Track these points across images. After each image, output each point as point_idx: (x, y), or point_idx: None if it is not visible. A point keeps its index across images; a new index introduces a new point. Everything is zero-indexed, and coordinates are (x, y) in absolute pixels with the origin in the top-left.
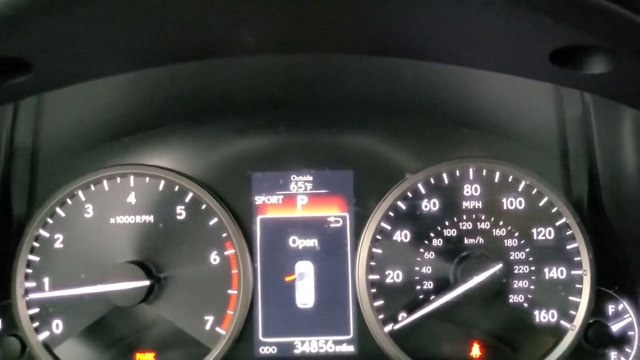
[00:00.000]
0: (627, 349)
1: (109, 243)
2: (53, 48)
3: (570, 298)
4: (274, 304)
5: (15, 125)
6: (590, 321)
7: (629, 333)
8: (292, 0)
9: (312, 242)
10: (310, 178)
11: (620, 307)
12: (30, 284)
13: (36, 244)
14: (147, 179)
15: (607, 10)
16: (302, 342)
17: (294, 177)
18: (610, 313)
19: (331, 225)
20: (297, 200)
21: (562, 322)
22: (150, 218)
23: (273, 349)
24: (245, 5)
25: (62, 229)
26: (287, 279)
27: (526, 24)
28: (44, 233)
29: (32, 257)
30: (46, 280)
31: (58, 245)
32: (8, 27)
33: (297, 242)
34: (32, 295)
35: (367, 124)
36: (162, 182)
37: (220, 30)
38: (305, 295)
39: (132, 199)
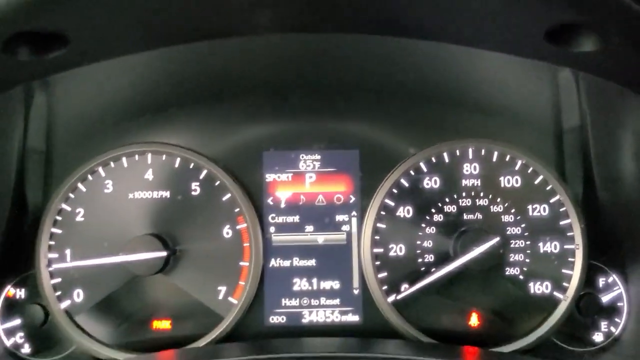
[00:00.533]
0: (617, 319)
1: (128, 217)
2: (89, 24)
3: (563, 271)
4: (281, 275)
5: (31, 102)
6: (582, 293)
7: (619, 304)
8: None
9: (320, 218)
10: (318, 157)
11: (610, 279)
12: (53, 255)
13: (59, 218)
14: (164, 156)
15: None
16: (310, 312)
17: (303, 156)
18: (600, 285)
19: (338, 201)
20: (305, 177)
21: (555, 293)
22: (166, 193)
23: (282, 318)
24: None
25: (83, 203)
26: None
27: (523, 3)
28: (66, 207)
29: (55, 230)
30: (68, 251)
31: (79, 218)
32: (51, 3)
33: (305, 217)
34: (55, 266)
35: (373, 105)
36: (178, 160)
37: (237, 9)
38: (312, 266)
39: (149, 175)
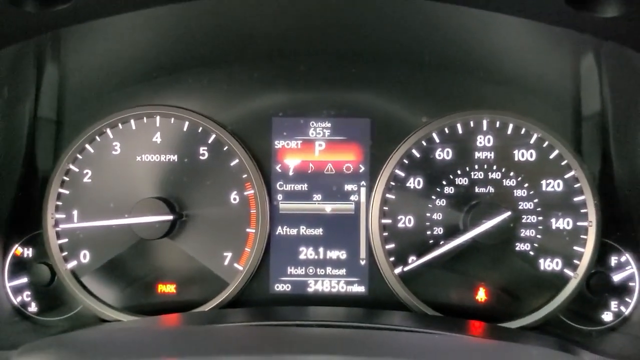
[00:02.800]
0: (627, 299)
1: (135, 179)
2: None
3: (575, 248)
4: (287, 244)
5: (43, 68)
6: (593, 271)
7: (630, 284)
8: None
9: (328, 186)
10: (328, 125)
11: (623, 258)
12: (60, 216)
13: (66, 178)
14: (173, 119)
15: None
16: (315, 281)
17: (312, 124)
18: (613, 264)
19: (347, 170)
20: (315, 145)
21: (565, 270)
22: (174, 157)
23: (287, 287)
24: None
25: (91, 164)
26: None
27: None
28: (73, 168)
29: (62, 191)
30: (75, 212)
31: (87, 179)
32: None
33: (313, 185)
34: (62, 226)
35: (386, 74)
36: (187, 123)
37: None
38: (319, 235)
39: (157, 138)
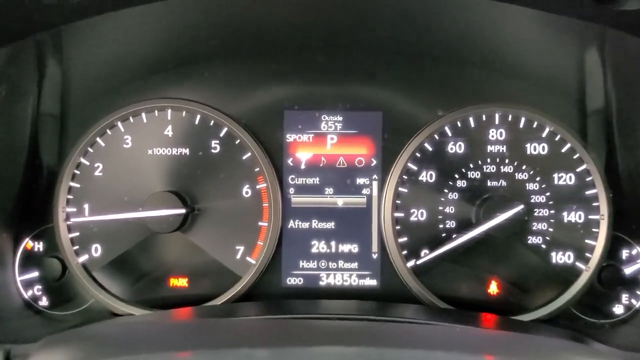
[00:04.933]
0: (638, 292)
1: (147, 173)
2: None
3: (587, 241)
4: (301, 237)
5: (44, 62)
6: (605, 264)
7: None
8: None
9: (340, 180)
10: (340, 118)
11: (634, 251)
12: (71, 209)
13: (77, 172)
14: (184, 113)
15: None
16: (327, 275)
17: (324, 117)
18: (624, 257)
19: (359, 164)
20: (327, 139)
21: (577, 263)
22: (186, 150)
23: (299, 280)
24: None
25: (102, 158)
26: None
27: None
28: (84, 161)
29: (73, 184)
30: (86, 206)
31: (98, 173)
32: None
33: (325, 179)
34: (73, 220)
35: (398, 67)
36: (198, 117)
37: None
38: (332, 228)
39: (169, 131)
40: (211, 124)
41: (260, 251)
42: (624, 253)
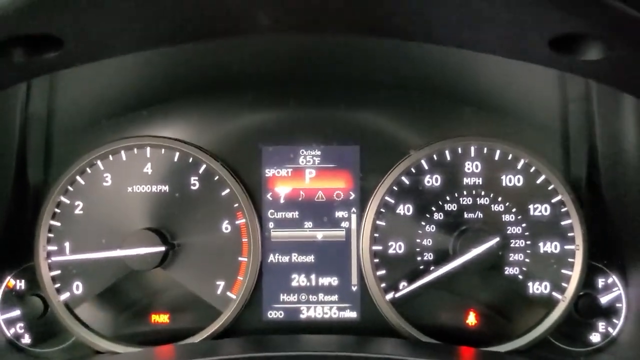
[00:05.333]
0: (615, 320)
1: (126, 210)
2: (82, 26)
3: (563, 271)
4: (279, 271)
5: (29, 95)
6: (581, 293)
7: (617, 305)
8: None
9: (319, 214)
10: (318, 152)
11: (609, 280)
12: (52, 248)
13: (57, 210)
14: (163, 150)
15: (603, 2)
16: (308, 308)
17: (302, 152)
18: (600, 286)
19: (337, 198)
20: (305, 173)
21: (554, 293)
22: (165, 187)
23: (280, 314)
24: None
25: (82, 196)
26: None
27: (527, 12)
28: (64, 200)
29: (53, 223)
30: (67, 244)
31: (78, 211)
32: (41, 6)
33: (304, 213)
34: (54, 258)
35: (374, 101)
36: (177, 154)
37: (236, 11)
38: (310, 262)
39: (148, 169)
40: (190, 161)
41: (240, 286)
42: (600, 282)
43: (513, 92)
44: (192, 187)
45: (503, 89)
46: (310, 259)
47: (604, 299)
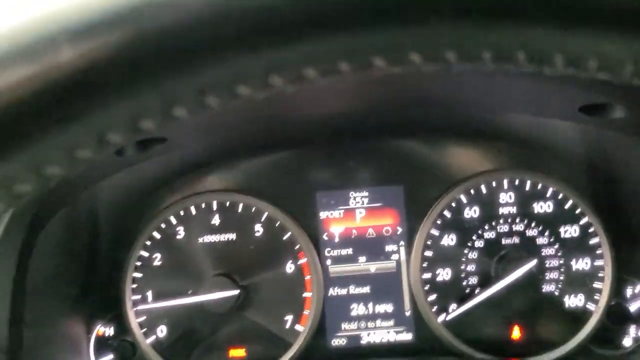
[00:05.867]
0: None
1: (199, 259)
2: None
3: (595, 285)
4: (341, 302)
5: None
6: (612, 303)
7: None
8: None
9: (371, 249)
10: (366, 194)
11: (637, 289)
12: (136, 297)
13: (138, 263)
14: (228, 202)
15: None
16: (367, 334)
17: (352, 194)
18: (629, 295)
19: (386, 233)
20: (356, 213)
21: (588, 305)
22: (232, 236)
23: (343, 341)
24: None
25: (159, 249)
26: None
27: (558, 91)
28: (144, 253)
29: (136, 274)
30: (149, 293)
31: (157, 263)
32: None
33: (357, 249)
34: (140, 307)
35: (415, 147)
36: (241, 205)
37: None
38: (367, 293)
39: (216, 220)
40: (253, 210)
41: (307, 319)
42: (629, 291)
43: (540, 128)
44: (257, 234)
45: (531, 125)
46: (366, 289)
47: (633, 307)
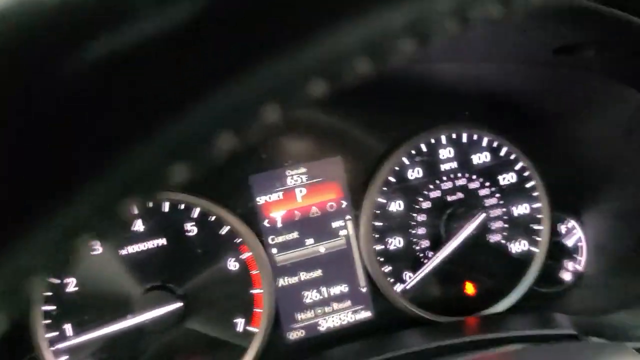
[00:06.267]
0: (578, 257)
1: (125, 274)
2: None
3: (534, 227)
4: (293, 292)
5: None
6: (552, 241)
7: (579, 245)
8: None
9: (317, 229)
10: (304, 170)
11: (570, 225)
12: (52, 334)
13: (49, 293)
14: (150, 203)
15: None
16: (325, 320)
17: (288, 172)
18: (564, 231)
19: (331, 209)
20: (296, 192)
21: (531, 248)
22: (161, 241)
23: (301, 332)
24: None
25: (73, 271)
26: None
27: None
28: (54, 280)
29: (47, 307)
30: (67, 326)
31: (71, 288)
32: None
33: (303, 231)
34: (58, 346)
35: (346, 111)
36: (167, 204)
37: None
38: (319, 277)
39: (139, 226)
40: (181, 207)
41: (259, 317)
42: (563, 228)
43: (464, 80)
44: (189, 234)
45: (461, 75)
46: (317, 273)
47: (568, 242)
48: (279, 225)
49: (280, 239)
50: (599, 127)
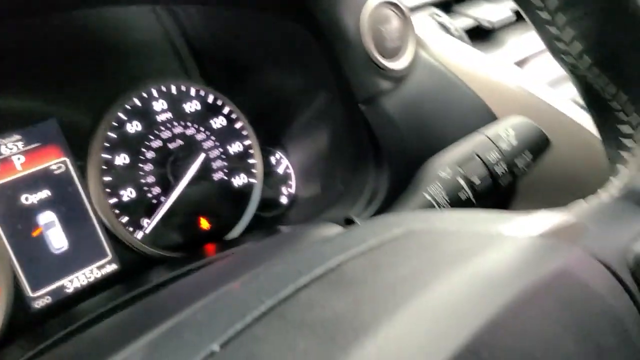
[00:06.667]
0: (290, 182)
1: None
2: None
3: (249, 161)
4: (32, 261)
5: None
6: (266, 171)
7: (287, 171)
8: None
9: (44, 193)
10: (18, 137)
11: (277, 156)
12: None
13: None
14: None
15: None
16: (71, 281)
17: (1, 141)
18: (274, 162)
19: (56, 172)
20: (14, 161)
21: (250, 180)
22: None
23: (47, 299)
24: None
25: None
26: (35, 233)
27: None
28: None
29: None
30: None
31: None
32: None
33: (30, 198)
34: None
35: (58, 70)
36: None
37: None
38: (58, 240)
39: None
40: None
41: None
42: (273, 159)
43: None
44: None
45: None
46: (57, 240)
47: (280, 170)
48: (7, 201)
49: (12, 219)
50: (295, 75)
